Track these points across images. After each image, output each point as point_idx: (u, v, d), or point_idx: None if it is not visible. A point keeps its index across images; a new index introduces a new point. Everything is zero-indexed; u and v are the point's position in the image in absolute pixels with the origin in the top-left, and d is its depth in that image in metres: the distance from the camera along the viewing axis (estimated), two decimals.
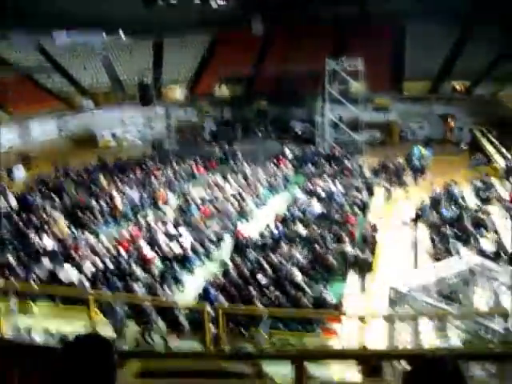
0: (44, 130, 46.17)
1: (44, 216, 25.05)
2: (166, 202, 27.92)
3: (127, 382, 3.97)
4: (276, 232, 21.96)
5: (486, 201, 24.19)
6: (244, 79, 48.46)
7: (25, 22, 48.84)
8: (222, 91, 47.07)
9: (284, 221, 23.51)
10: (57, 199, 28.13)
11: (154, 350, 13.13)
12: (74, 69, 54.74)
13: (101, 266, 19.02)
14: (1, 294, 15.38)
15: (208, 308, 11.70)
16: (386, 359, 9.03)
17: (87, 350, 2.64)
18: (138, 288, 16.56)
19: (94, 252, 20.27)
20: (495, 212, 22.57)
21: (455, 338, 11.68)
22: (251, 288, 15.93)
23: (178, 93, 54.44)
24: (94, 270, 18.73)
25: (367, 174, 31.11)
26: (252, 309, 13.98)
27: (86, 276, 18.13)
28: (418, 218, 23.70)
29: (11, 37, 51.68)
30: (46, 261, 19.87)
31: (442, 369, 2.56)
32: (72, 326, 13.05)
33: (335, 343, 13.85)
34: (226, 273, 17.86)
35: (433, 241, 20.26)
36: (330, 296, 15.93)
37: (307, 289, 16.18)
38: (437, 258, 18.06)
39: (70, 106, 50.27)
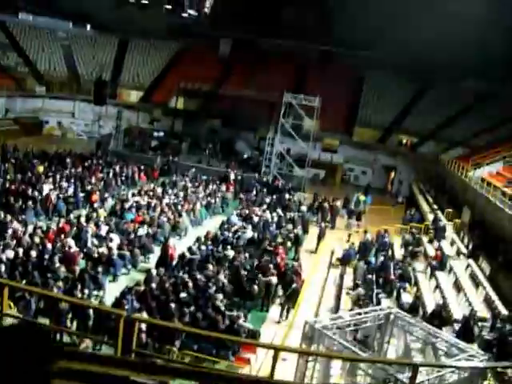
0: None
1: None
2: (100, 203, 27.48)
3: None
4: (204, 249, 21.90)
5: (413, 255, 24.85)
6: (202, 95, 48.57)
7: None
8: (178, 103, 46.97)
9: (214, 240, 23.51)
10: None
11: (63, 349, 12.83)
12: (32, 51, 53.62)
13: (22, 255, 18.47)
14: None
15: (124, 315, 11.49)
16: None
17: (25, 338, 2.61)
18: (57, 285, 16.16)
19: (18, 241, 19.68)
20: (420, 268, 23.25)
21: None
22: (171, 304, 15.81)
23: (133, 96, 54.05)
24: (14, 258, 18.16)
25: (304, 209, 31.52)
26: (169, 324, 13.86)
27: (4, 263, 17.56)
28: (346, 260, 24.12)
29: None
30: None
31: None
32: None
33: (246, 372, 13.85)
34: (147, 283, 17.65)
35: (356, 286, 20.61)
36: (248, 324, 15.98)
37: (227, 313, 16.16)
38: (358, 303, 18.37)
39: (22, 87, 49.06)
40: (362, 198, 34.67)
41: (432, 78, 47.34)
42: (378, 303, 17.93)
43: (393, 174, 46.56)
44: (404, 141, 48.10)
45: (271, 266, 20.66)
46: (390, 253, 24.90)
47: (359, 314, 14.14)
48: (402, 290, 20.01)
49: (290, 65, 52.89)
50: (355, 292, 19.75)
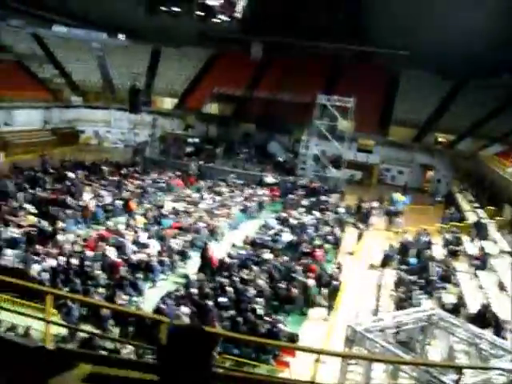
0: (28, 118, 45.80)
1: (14, 205, 24.74)
2: (137, 210, 27.76)
3: None
4: (243, 253, 21.92)
5: (453, 255, 24.43)
6: (235, 100, 48.64)
7: (27, 11, 49.01)
8: (212, 108, 47.12)
9: (253, 244, 23.50)
10: (29, 190, 27.83)
11: (105, 355, 12.96)
12: (67, 63, 54.56)
13: (63, 263, 18.77)
14: None
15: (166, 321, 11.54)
16: None
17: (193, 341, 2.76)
18: (97, 292, 16.37)
19: (59, 249, 20.00)
20: (461, 267, 22.81)
21: None
22: (210, 308, 15.85)
23: (167, 103, 54.51)
24: (56, 266, 18.47)
25: (342, 211, 31.29)
26: (209, 329, 13.87)
27: (47, 271, 17.87)
28: (385, 262, 23.85)
29: (9, 21, 51.53)
30: (7, 251, 19.59)
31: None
32: (24, 319, 12.77)
33: (286, 376, 13.78)
34: (187, 289, 17.74)
35: (397, 287, 20.35)
36: (287, 328, 15.91)
37: (266, 317, 16.11)
38: (398, 305, 18.14)
39: (58, 98, 49.94)
40: (402, 197, 34.28)
41: (467, 74, 46.54)
42: (419, 304, 17.65)
43: (430, 173, 45.90)
44: (441, 139, 47.40)
45: (309, 268, 20.61)
46: (430, 253, 24.49)
47: (401, 315, 13.95)
48: (443, 291, 19.69)
49: (323, 66, 52.64)
50: (396, 293, 19.53)
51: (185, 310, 15.62)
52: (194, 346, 2.75)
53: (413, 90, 49.29)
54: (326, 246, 24.57)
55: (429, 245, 25.73)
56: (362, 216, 31.11)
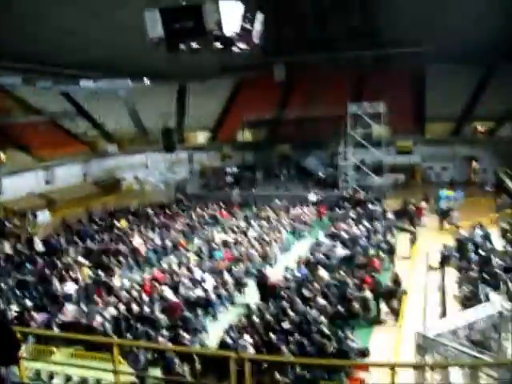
0: (69, 174, 46.93)
1: (68, 260, 25.19)
2: (188, 247, 27.90)
3: None
4: (299, 275, 21.71)
5: None
6: (266, 124, 48.78)
7: (52, 71, 50.47)
8: (245, 136, 47.28)
9: (307, 264, 23.25)
10: (80, 243, 28.32)
11: None
12: (98, 114, 55.82)
13: (123, 311, 18.91)
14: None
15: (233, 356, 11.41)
16: None
17: None
18: (161, 334, 16.38)
19: (117, 297, 20.19)
20: None
21: None
22: (275, 335, 15.64)
23: (200, 137, 55.04)
24: (117, 314, 18.63)
25: (391, 216, 30.80)
26: (278, 357, 13.64)
27: (108, 321, 18.01)
28: (444, 261, 23.27)
29: (37, 83, 53.11)
30: (69, 306, 19.89)
31: None
32: (94, 372, 12.84)
33: None
34: (248, 318, 17.62)
35: (460, 285, 19.79)
36: (356, 343, 15.58)
37: (332, 336, 15.82)
38: (465, 303, 17.62)
39: (94, 150, 51.00)
40: (450, 192, 33.65)
41: (495, 58, 45.66)
42: (487, 300, 17.08)
43: (475, 164, 44.94)
44: (479, 128, 46.39)
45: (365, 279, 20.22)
46: (489, 245, 23.79)
47: (470, 314, 13.52)
48: (509, 282, 19.04)
49: (348, 75, 52.45)
50: (460, 292, 18.99)
51: (248, 339, 15.45)
52: None
53: (441, 83, 48.53)
54: (381, 254, 24.12)
55: (486, 237, 25.02)
56: (411, 218, 30.59)
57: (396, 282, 19.94)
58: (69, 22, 41.04)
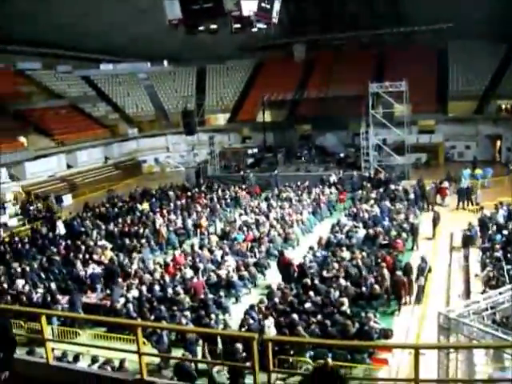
0: (90, 157, 47.19)
1: (91, 243, 25.41)
2: (208, 229, 27.95)
3: None
4: (320, 255, 21.64)
5: None
6: (287, 104, 48.46)
7: (72, 55, 50.64)
8: (265, 116, 47.03)
9: (328, 245, 23.17)
10: (103, 226, 28.52)
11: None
12: (119, 98, 55.97)
13: (146, 292, 19.06)
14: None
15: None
16: None
17: None
18: (184, 315, 16.47)
19: (140, 279, 20.33)
20: None
21: None
22: (296, 316, 15.63)
23: (220, 119, 54.94)
24: (139, 296, 18.78)
25: (413, 197, 30.48)
26: (300, 339, 13.64)
27: (132, 303, 18.15)
28: (467, 242, 23.03)
29: (57, 67, 53.37)
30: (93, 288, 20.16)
31: None
32: (118, 353, 12.94)
33: (385, 374, 13.41)
34: (270, 299, 17.64)
35: (484, 266, 19.58)
36: (379, 324, 15.52)
37: (354, 317, 15.77)
38: (489, 284, 17.43)
39: (115, 133, 51.18)
40: (478, 171, 33.40)
41: None
42: (511, 280, 16.89)
43: (499, 143, 44.29)
44: (503, 105, 45.63)
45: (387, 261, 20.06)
46: None
47: (494, 295, 13.37)
48: None
49: (369, 55, 51.96)
50: (484, 272, 18.80)
51: (269, 321, 15.45)
52: None
53: (464, 61, 47.87)
54: (404, 235, 23.91)
55: (510, 217, 24.68)
56: (426, 198, 30.39)
57: (423, 259, 19.77)
58: (88, 7, 41.12)
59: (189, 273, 20.53)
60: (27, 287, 20.25)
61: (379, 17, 50.70)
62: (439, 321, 12.47)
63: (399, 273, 18.35)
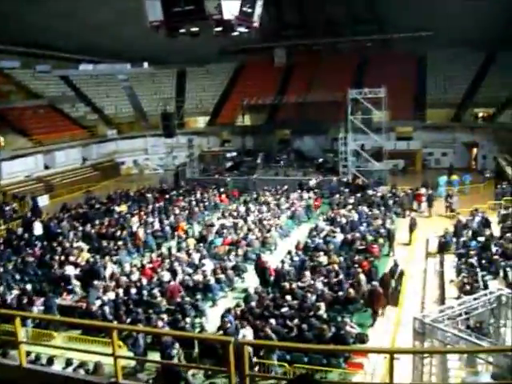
0: (68, 158, 46.73)
1: (67, 245, 25.17)
2: (186, 232, 27.86)
3: None
4: (297, 259, 21.70)
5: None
6: (266, 108, 48.56)
7: (51, 55, 50.19)
8: (244, 120, 47.08)
9: (305, 249, 23.27)
10: (80, 227, 28.28)
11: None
12: (97, 98, 55.55)
13: (122, 295, 18.95)
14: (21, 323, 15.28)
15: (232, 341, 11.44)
16: None
17: None
18: (160, 318, 16.39)
19: (117, 281, 20.20)
20: None
21: (486, 374, 11.29)
22: (271, 320, 15.66)
23: (200, 122, 54.88)
24: (116, 298, 18.67)
25: (390, 202, 30.76)
26: (274, 343, 13.67)
27: (108, 305, 18.04)
28: (442, 248, 23.29)
29: (36, 67, 52.83)
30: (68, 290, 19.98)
31: None
32: (93, 355, 12.85)
33: (361, 378, 13.50)
34: (247, 303, 17.64)
35: (459, 272, 19.80)
36: (355, 329, 15.61)
37: (331, 321, 15.83)
38: (464, 289, 17.63)
39: (94, 134, 50.77)
40: (455, 177, 33.83)
41: (496, 43, 45.35)
42: (486, 286, 17.11)
43: (475, 150, 44.86)
44: (480, 114, 46.26)
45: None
46: (488, 231, 23.78)
47: (468, 300, 13.53)
48: (508, 269, 19.06)
49: (348, 61, 52.26)
50: (459, 278, 19.01)
51: (247, 330, 15.39)
52: None
53: (443, 69, 48.44)
54: (380, 240, 24.09)
55: (485, 224, 25.02)
56: (405, 204, 30.69)
57: (395, 262, 19.97)
58: (68, 6, 40.83)
59: (166, 275, 20.45)
60: (1, 288, 20.02)
61: (360, 23, 51.14)
62: (414, 326, 12.58)
63: (375, 283, 18.41)
